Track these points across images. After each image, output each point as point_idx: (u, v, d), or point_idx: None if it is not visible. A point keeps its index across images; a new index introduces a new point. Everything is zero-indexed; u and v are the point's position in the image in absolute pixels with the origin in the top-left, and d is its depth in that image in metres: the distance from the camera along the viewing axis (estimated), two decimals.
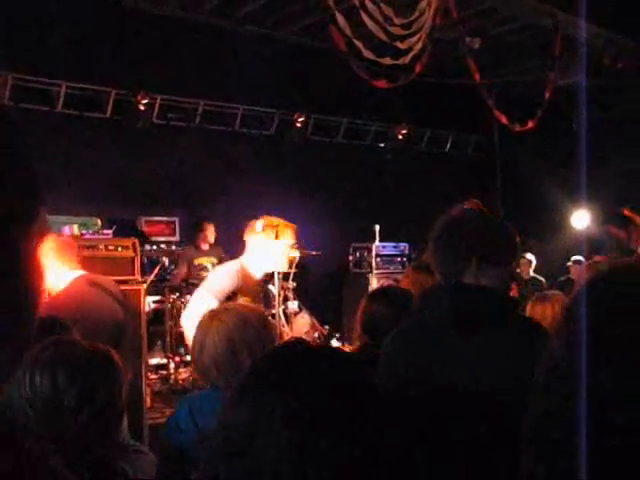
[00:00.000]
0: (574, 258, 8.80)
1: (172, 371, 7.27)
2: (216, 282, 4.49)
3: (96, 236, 6.25)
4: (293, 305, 6.93)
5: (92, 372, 1.99)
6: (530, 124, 9.40)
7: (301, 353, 1.31)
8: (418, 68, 7.39)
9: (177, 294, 7.48)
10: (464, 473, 1.83)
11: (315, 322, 7.07)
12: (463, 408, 2.13)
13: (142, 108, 8.46)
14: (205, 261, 7.96)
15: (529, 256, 9.58)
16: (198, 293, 4.49)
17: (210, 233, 8.20)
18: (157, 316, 7.38)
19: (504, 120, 9.33)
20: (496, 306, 2.44)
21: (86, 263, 6.13)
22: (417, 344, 2.48)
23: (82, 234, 6.20)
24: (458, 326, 2.36)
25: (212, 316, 2.78)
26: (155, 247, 7.73)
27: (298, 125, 9.69)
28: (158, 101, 8.60)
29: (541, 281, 9.53)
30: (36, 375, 1.91)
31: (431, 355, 2.41)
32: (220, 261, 8.02)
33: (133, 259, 6.38)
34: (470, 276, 2.48)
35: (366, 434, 1.15)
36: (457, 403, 2.17)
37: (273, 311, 7.42)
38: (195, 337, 2.76)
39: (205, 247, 8.19)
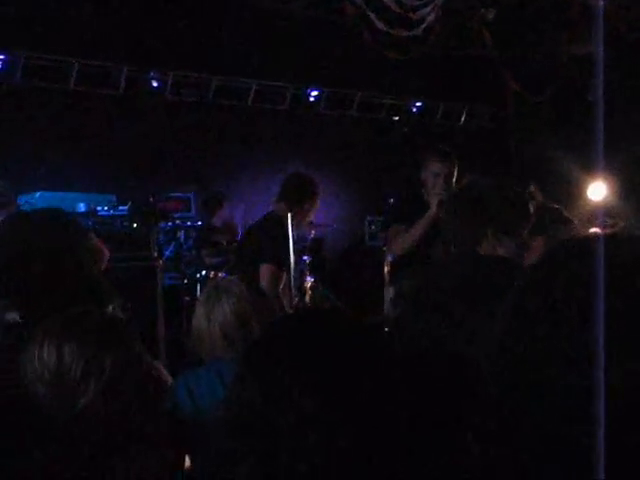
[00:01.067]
0: (592, 230, 8.72)
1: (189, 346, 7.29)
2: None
3: (111, 213, 6.28)
4: (309, 278, 6.93)
5: (99, 342, 1.98)
6: (546, 95, 9.33)
7: (314, 320, 1.29)
8: (431, 39, 7.33)
9: (192, 270, 7.50)
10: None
11: (330, 295, 7.09)
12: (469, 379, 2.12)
13: (155, 84, 8.45)
14: (220, 238, 7.97)
15: (541, 239, 9.50)
16: None
17: (225, 209, 8.20)
18: (173, 292, 7.39)
19: (519, 91, 9.27)
20: (512, 277, 2.42)
21: (102, 240, 6.18)
22: (426, 315, 2.47)
23: (97, 211, 6.22)
24: (472, 296, 2.35)
25: (218, 287, 2.78)
26: (170, 223, 7.73)
27: (311, 99, 9.65)
28: (170, 77, 8.57)
29: None
30: (44, 349, 1.91)
31: (440, 326, 2.40)
32: (233, 237, 8.04)
33: (148, 235, 6.40)
34: (487, 246, 2.47)
35: (387, 400, 1.14)
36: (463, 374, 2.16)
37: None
38: (200, 308, 2.76)
39: (218, 224, 8.19)
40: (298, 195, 5.33)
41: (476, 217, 2.46)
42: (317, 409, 1.10)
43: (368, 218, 9.55)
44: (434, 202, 4.69)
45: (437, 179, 4.89)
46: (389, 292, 5.00)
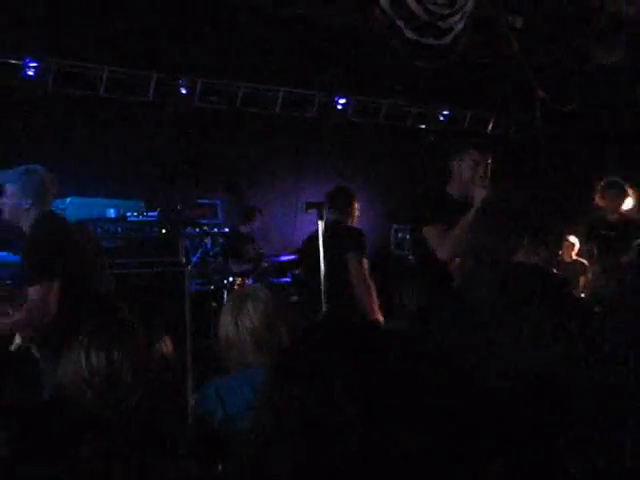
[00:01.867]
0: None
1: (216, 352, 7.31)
2: None
3: (140, 218, 6.32)
4: None
5: (140, 346, 2.02)
6: (573, 104, 9.28)
7: (352, 325, 1.30)
8: (459, 47, 7.32)
9: (219, 276, 7.52)
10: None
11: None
12: (504, 384, 2.12)
13: (183, 91, 8.51)
14: (247, 246, 8.01)
15: (572, 239, 9.43)
16: None
17: (257, 222, 8.26)
18: (199, 298, 7.42)
19: (547, 100, 9.21)
20: (549, 284, 2.41)
21: (131, 245, 6.23)
22: (462, 323, 2.46)
23: (127, 216, 6.26)
24: (509, 304, 2.34)
25: (244, 294, 2.78)
26: (197, 230, 7.76)
27: (339, 107, 9.67)
28: (199, 84, 8.63)
29: (584, 264, 9.40)
30: (92, 355, 1.93)
31: (476, 334, 2.39)
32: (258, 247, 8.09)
33: (177, 241, 6.44)
34: (522, 254, 2.45)
35: (429, 403, 1.14)
36: (498, 379, 2.16)
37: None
38: (226, 316, 2.75)
39: (246, 232, 8.24)
40: (347, 205, 6.19)
41: (513, 227, 2.44)
42: (360, 415, 1.10)
43: (394, 226, 9.54)
44: (479, 194, 4.42)
45: (478, 169, 4.68)
46: None
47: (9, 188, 4.30)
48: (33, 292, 3.97)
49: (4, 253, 5.73)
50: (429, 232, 4.59)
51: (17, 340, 4.25)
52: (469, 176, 4.70)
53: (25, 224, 4.26)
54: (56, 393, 1.99)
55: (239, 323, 2.70)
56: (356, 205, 6.49)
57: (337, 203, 6.31)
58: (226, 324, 2.74)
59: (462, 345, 2.41)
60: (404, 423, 1.11)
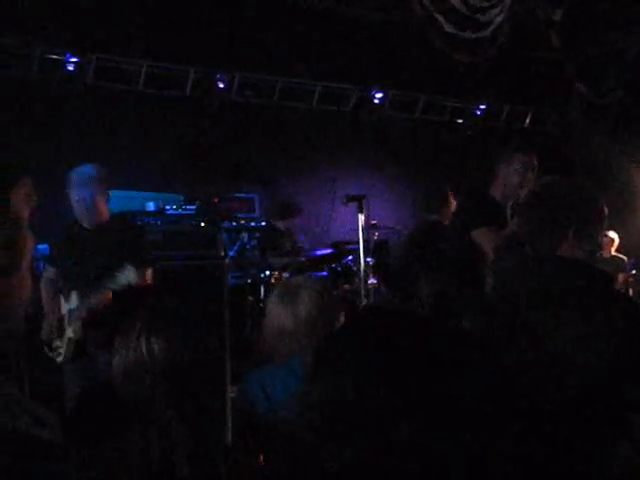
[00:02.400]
0: None
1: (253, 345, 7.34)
2: None
3: (179, 212, 6.36)
4: (372, 280, 6.93)
5: (200, 334, 2.04)
6: (612, 98, 9.17)
7: (395, 318, 1.29)
8: (498, 41, 7.27)
9: (256, 270, 7.54)
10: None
11: (392, 297, 7.08)
12: (544, 382, 2.10)
13: (221, 86, 8.54)
14: (284, 241, 8.01)
15: (612, 234, 9.33)
16: None
17: (296, 220, 8.21)
18: (236, 291, 7.45)
19: (585, 94, 9.12)
20: (595, 280, 2.38)
21: (170, 238, 6.27)
22: (502, 317, 2.44)
23: (166, 210, 6.30)
24: (552, 299, 2.31)
25: (295, 284, 2.78)
26: (234, 224, 7.79)
27: (376, 101, 9.64)
28: (237, 79, 8.66)
29: (623, 260, 9.31)
30: (152, 340, 1.95)
31: (518, 329, 2.36)
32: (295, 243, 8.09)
33: (215, 235, 6.47)
34: (566, 249, 2.43)
35: (476, 393, 1.14)
36: (538, 376, 2.14)
37: (346, 286, 7.49)
38: (277, 306, 2.74)
39: (282, 228, 8.23)
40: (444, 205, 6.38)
41: (558, 220, 2.41)
42: (409, 405, 1.10)
43: None
44: None
45: (527, 173, 4.66)
46: None
47: (91, 182, 4.54)
48: (148, 276, 4.57)
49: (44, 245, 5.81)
50: (481, 236, 4.54)
51: (69, 334, 4.29)
52: (517, 182, 4.69)
53: (97, 218, 4.61)
54: (113, 378, 2.01)
55: (295, 312, 2.69)
56: (452, 203, 6.47)
57: (433, 204, 6.31)
58: (279, 314, 2.73)
59: (502, 339, 2.40)
60: (451, 415, 1.11)
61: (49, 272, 4.72)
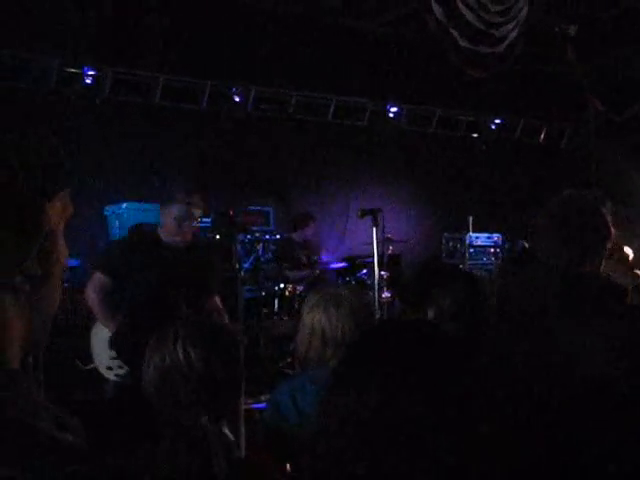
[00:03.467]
0: None
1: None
2: None
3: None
4: (386, 294, 6.94)
5: (232, 349, 2.09)
6: (628, 114, 9.16)
7: (418, 329, 1.31)
8: (513, 56, 7.29)
9: (270, 282, 7.55)
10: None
11: (407, 311, 7.07)
12: (560, 392, 2.10)
13: (236, 99, 8.60)
14: (299, 253, 8.02)
15: (627, 250, 9.26)
16: None
17: (311, 228, 8.19)
18: (251, 303, 7.47)
19: (601, 109, 9.11)
20: (615, 295, 2.40)
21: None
22: (525, 332, 2.44)
23: None
24: (576, 312, 2.32)
25: (337, 293, 2.78)
26: (249, 236, 7.82)
27: (391, 115, 9.68)
28: (252, 92, 8.71)
29: (639, 275, 9.25)
30: (189, 348, 1.99)
31: (543, 345, 2.36)
32: (313, 253, 8.09)
33: (230, 247, 6.49)
34: (589, 264, 2.44)
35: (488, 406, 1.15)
36: (554, 387, 2.14)
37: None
38: (315, 315, 2.73)
39: (298, 239, 8.24)
40: None
41: (585, 237, 2.43)
42: (432, 414, 1.11)
43: (445, 235, 9.51)
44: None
45: None
46: None
47: (196, 213, 4.75)
48: (219, 301, 4.70)
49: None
50: None
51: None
52: None
53: (186, 241, 4.67)
54: (145, 384, 2.04)
55: (338, 320, 2.69)
56: None
57: None
58: (320, 321, 2.70)
59: (523, 352, 2.40)
60: (471, 422, 1.12)
61: (102, 280, 4.57)
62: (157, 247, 4.59)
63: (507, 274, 3.56)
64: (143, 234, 4.74)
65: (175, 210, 4.61)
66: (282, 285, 7.38)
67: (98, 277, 4.59)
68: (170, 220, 4.58)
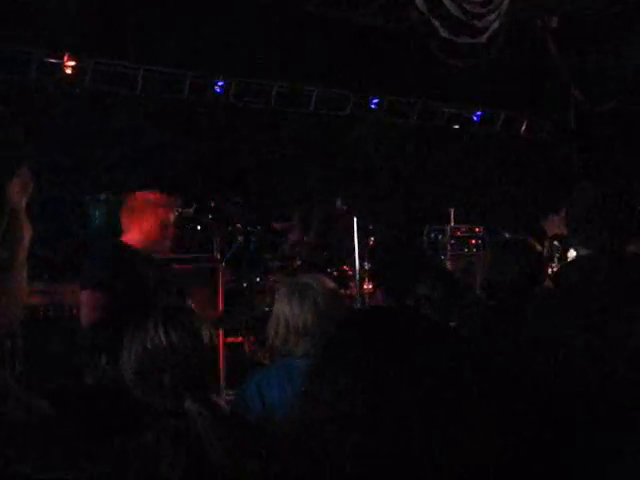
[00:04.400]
0: None
1: (247, 350, 7.35)
2: None
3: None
4: (368, 286, 6.94)
5: (209, 331, 2.11)
6: (609, 105, 9.20)
7: (402, 315, 1.30)
8: (495, 47, 7.30)
9: (252, 272, 7.54)
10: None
11: (390, 302, 7.08)
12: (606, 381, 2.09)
13: (217, 90, 8.57)
14: (282, 241, 8.03)
15: None
16: None
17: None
18: (232, 295, 7.46)
19: (582, 101, 9.15)
20: None
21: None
22: (566, 316, 2.44)
23: None
24: (622, 299, 2.34)
25: (303, 283, 2.79)
26: (230, 227, 7.80)
27: (373, 107, 9.68)
28: (233, 83, 8.68)
29: None
30: (170, 332, 1.99)
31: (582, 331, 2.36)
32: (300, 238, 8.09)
33: (212, 238, 6.49)
34: (632, 248, 2.51)
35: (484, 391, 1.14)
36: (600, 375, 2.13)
37: (342, 291, 7.49)
38: (285, 305, 2.75)
39: (278, 226, 8.25)
40: None
41: (628, 221, 2.49)
42: (424, 401, 1.10)
43: (427, 226, 9.52)
44: None
45: None
46: None
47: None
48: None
49: None
50: None
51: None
52: None
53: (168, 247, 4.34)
54: (125, 372, 2.03)
55: (317, 310, 2.69)
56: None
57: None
58: (285, 313, 2.72)
59: (567, 335, 2.39)
60: (457, 411, 1.12)
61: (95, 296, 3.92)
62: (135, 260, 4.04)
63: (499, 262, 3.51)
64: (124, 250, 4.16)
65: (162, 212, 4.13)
66: (263, 276, 7.38)
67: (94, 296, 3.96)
68: (154, 224, 4.08)
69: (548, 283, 3.12)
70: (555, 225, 6.00)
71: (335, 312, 2.69)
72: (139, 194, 4.21)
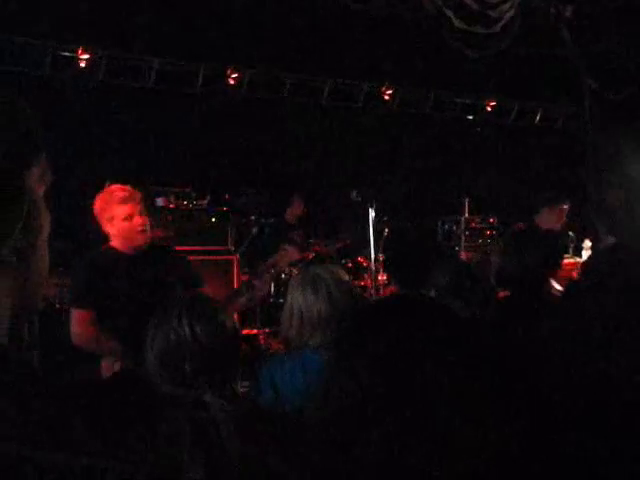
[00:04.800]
0: None
1: (262, 342, 7.38)
2: None
3: (190, 207, 6.40)
4: (383, 277, 6.94)
5: (232, 324, 2.13)
6: (624, 94, 9.14)
7: (421, 305, 1.30)
8: (509, 37, 7.27)
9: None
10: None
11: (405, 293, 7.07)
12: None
13: (232, 82, 8.58)
14: (294, 235, 8.04)
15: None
16: None
17: (298, 206, 8.26)
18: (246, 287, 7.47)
19: (597, 90, 9.09)
20: None
21: (181, 233, 6.30)
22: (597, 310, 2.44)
23: (177, 205, 6.34)
24: None
25: (318, 274, 2.79)
26: (245, 219, 7.83)
27: (386, 98, 9.66)
28: (247, 75, 8.69)
29: None
30: (195, 325, 2.01)
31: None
32: (307, 234, 8.10)
33: (226, 229, 6.51)
34: None
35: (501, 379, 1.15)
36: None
37: (356, 282, 7.49)
38: (299, 295, 2.75)
39: (293, 221, 8.27)
40: None
41: None
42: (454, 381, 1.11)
43: (441, 217, 9.50)
44: None
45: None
46: None
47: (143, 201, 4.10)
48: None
49: None
50: None
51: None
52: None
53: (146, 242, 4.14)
54: (147, 361, 2.05)
55: (332, 301, 2.69)
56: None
57: None
58: (317, 303, 2.71)
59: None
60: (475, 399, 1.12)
61: (81, 314, 3.91)
62: (109, 261, 3.99)
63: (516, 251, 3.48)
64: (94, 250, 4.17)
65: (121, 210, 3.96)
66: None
67: (77, 313, 3.96)
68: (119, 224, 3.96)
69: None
70: (545, 219, 5.83)
71: (348, 303, 2.69)
72: (95, 203, 4.03)
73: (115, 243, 4.01)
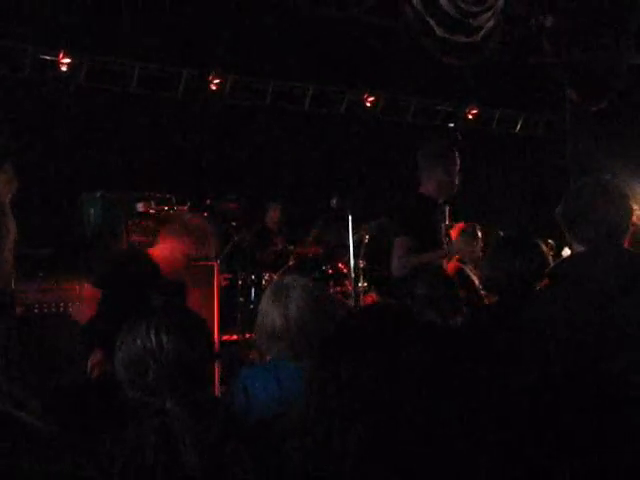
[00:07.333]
0: None
1: (243, 347, 7.35)
2: None
3: (170, 213, 6.36)
4: (362, 284, 6.94)
5: (204, 336, 2.12)
6: (604, 104, 9.20)
7: (398, 314, 1.32)
8: (489, 46, 7.31)
9: (247, 271, 7.55)
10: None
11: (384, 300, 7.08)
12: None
13: (213, 88, 8.58)
14: (275, 240, 8.04)
15: None
16: None
17: (276, 212, 8.27)
18: (227, 293, 7.46)
19: (577, 99, 9.15)
20: None
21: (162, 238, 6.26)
22: (577, 305, 2.46)
23: (157, 211, 6.30)
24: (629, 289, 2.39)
25: (287, 284, 2.77)
26: (225, 225, 7.80)
27: (368, 105, 9.68)
28: (229, 81, 8.68)
29: None
30: (162, 337, 2.01)
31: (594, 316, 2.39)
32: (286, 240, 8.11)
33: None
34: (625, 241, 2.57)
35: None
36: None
37: (337, 289, 7.49)
38: (270, 307, 2.73)
39: (274, 227, 8.27)
40: None
41: (626, 214, 2.56)
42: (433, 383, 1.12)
43: None
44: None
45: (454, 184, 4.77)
46: None
47: None
48: None
49: None
50: (399, 244, 4.60)
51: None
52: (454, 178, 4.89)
53: None
54: (116, 369, 2.06)
55: (285, 312, 2.69)
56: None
57: None
58: (272, 314, 2.71)
59: (577, 323, 2.42)
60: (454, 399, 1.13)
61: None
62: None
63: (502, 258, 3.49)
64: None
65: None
66: (258, 274, 7.38)
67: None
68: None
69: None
70: None
71: (310, 317, 2.67)
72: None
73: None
